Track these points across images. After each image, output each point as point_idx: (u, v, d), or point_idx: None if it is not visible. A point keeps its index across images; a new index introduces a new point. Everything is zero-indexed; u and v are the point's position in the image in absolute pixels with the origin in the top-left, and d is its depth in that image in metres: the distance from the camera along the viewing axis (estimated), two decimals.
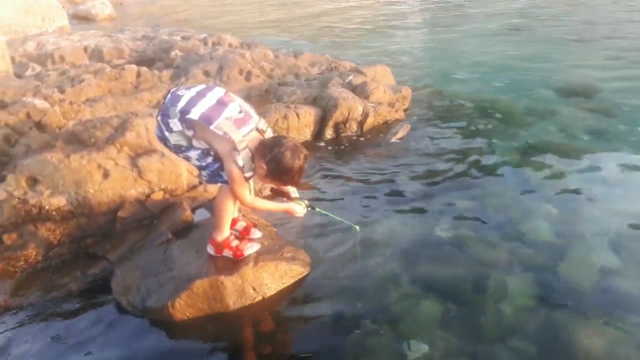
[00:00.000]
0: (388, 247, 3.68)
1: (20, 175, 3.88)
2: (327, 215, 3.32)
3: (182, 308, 3.04)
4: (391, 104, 6.25)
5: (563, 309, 3.04)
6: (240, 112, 2.84)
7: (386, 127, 6.04)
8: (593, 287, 3.24)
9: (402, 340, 2.83)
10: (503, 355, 2.74)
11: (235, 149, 2.73)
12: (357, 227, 3.31)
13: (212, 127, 2.72)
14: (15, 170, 3.93)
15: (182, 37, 9.82)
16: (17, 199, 3.79)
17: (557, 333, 2.88)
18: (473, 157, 5.24)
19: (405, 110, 6.59)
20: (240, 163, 2.75)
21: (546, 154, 5.22)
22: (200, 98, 2.80)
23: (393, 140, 5.70)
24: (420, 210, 4.20)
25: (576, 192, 4.46)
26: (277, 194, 3.22)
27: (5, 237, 3.64)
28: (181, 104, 2.77)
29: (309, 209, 3.19)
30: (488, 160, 5.17)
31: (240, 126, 2.78)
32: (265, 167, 2.78)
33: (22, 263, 3.54)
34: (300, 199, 3.18)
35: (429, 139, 5.76)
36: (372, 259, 3.53)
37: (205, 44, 9.40)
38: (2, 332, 2.99)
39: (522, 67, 8.82)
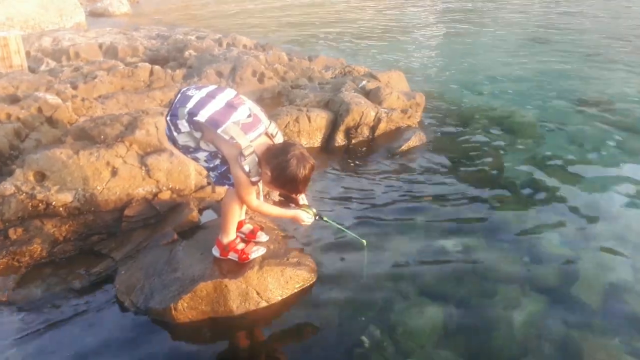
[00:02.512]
0: (395, 259, 3.60)
1: (29, 169, 3.88)
2: (335, 226, 3.23)
3: (185, 310, 2.99)
4: (404, 111, 6.18)
5: (576, 329, 2.94)
6: (249, 116, 2.79)
7: (398, 133, 5.95)
8: (607, 306, 3.15)
9: (405, 356, 2.76)
10: None
11: (241, 154, 2.69)
12: (364, 241, 3.19)
13: (219, 131, 2.68)
14: (24, 164, 3.92)
15: (197, 37, 9.85)
16: (24, 194, 3.78)
17: (570, 355, 2.78)
18: (485, 170, 5.15)
19: (418, 117, 6.51)
20: (247, 168, 2.70)
21: (560, 168, 5.13)
22: (210, 100, 2.76)
23: (404, 148, 5.62)
24: (429, 223, 4.09)
25: (590, 207, 4.36)
26: (286, 200, 3.15)
27: (11, 231, 3.62)
28: (190, 105, 2.73)
29: (317, 218, 3.10)
30: (500, 173, 5.07)
31: (248, 131, 2.73)
32: (269, 173, 2.73)
33: (26, 258, 3.51)
34: (309, 206, 3.10)
35: (441, 148, 5.68)
36: (379, 271, 3.45)
37: (220, 44, 9.42)
38: (3, 327, 2.96)
39: (539, 79, 8.73)
